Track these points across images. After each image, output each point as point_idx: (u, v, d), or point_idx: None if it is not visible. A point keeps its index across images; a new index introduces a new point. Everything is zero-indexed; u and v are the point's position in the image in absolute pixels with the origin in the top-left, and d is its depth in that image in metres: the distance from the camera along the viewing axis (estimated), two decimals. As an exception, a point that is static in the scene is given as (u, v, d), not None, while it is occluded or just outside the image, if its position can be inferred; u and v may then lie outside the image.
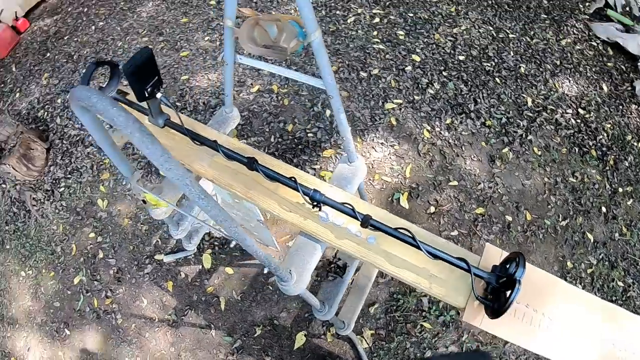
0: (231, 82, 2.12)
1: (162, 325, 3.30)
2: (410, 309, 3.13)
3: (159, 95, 1.62)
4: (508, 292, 1.34)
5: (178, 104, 4.22)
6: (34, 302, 3.66)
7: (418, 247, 1.51)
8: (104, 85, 1.54)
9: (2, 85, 5.32)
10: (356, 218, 1.58)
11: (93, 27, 5.44)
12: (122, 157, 1.57)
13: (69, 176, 4.11)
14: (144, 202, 1.76)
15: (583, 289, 3.19)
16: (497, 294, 1.45)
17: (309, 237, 1.77)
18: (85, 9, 5.76)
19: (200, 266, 3.42)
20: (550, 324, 1.44)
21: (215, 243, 3.48)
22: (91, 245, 3.72)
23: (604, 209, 3.59)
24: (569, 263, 3.34)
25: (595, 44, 4.62)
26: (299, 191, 1.66)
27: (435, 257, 1.51)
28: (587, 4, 5.00)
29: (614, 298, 3.21)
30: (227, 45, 1.87)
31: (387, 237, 1.60)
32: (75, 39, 5.38)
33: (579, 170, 3.72)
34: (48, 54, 5.34)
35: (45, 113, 4.66)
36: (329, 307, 2.13)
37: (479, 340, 3.05)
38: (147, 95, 1.57)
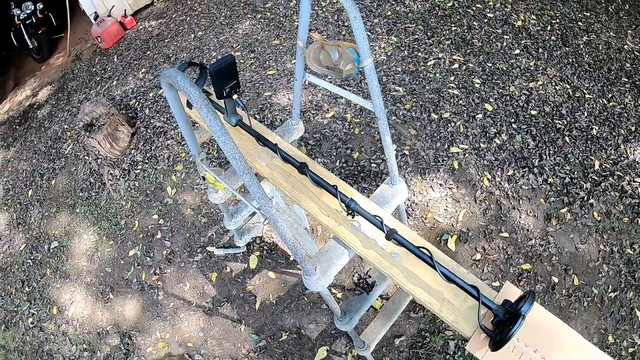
0: (299, 97, 2.32)
1: (197, 310, 3.51)
2: (435, 349, 3.11)
3: (235, 96, 1.91)
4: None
5: (257, 116, 4.51)
6: (88, 263, 4.04)
7: (433, 267, 1.61)
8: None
9: (103, 71, 5.94)
10: (382, 230, 1.71)
11: (192, 35, 5.95)
12: (194, 136, 1.84)
13: (147, 161, 4.50)
14: (204, 178, 2.00)
15: None
16: (503, 327, 1.50)
17: (340, 242, 1.90)
18: (188, 18, 6.32)
19: (246, 265, 3.61)
20: None
21: (265, 247, 3.67)
22: (152, 225, 4.04)
23: None
24: (610, 337, 3.18)
25: (676, 112, 4.47)
26: (337, 197, 1.82)
27: (449, 280, 1.60)
28: (672, 70, 4.84)
29: None
30: (298, 63, 2.09)
31: (410, 256, 1.72)
32: (175, 43, 5.91)
33: (638, 242, 3.57)
34: (148, 52, 5.90)
35: (137, 103, 5.13)
36: (349, 318, 2.23)
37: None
38: (225, 94, 1.87)
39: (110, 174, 4.55)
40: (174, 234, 3.93)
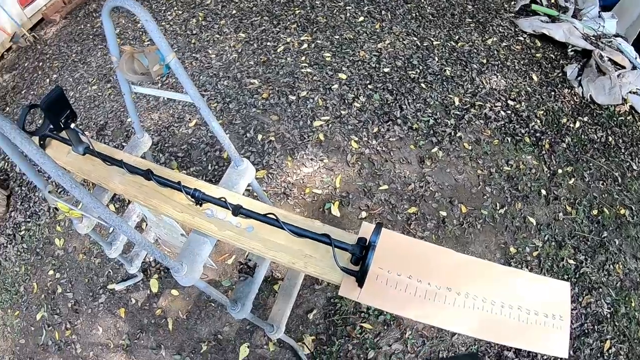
0: (134, 110, 2.32)
1: (117, 350, 3.41)
2: (349, 312, 3.22)
3: (72, 125, 1.91)
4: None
5: (124, 144, 4.41)
6: (1, 342, 3.78)
7: (282, 228, 1.68)
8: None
9: (-35, 139, 5.53)
10: (227, 208, 1.76)
11: (48, 80, 5.70)
12: (34, 171, 1.86)
13: (29, 220, 4.27)
14: (56, 209, 1.97)
15: (530, 271, 3.27)
16: (362, 263, 1.58)
17: (199, 233, 1.93)
18: (41, 63, 6.04)
19: (149, 291, 3.55)
20: (449, 293, 1.53)
21: (161, 268, 3.63)
22: (50, 282, 3.86)
23: (543, 192, 3.70)
24: (511, 248, 3.43)
25: (522, 39, 4.86)
26: (182, 191, 1.85)
27: (300, 235, 1.67)
28: (512, 2, 5.26)
29: (566, 277, 3.28)
30: (119, 78, 2.10)
31: (264, 226, 1.77)
32: (32, 92, 5.63)
33: (513, 158, 3.86)
34: (7, 108, 5.58)
35: (6, 163, 4.85)
36: (241, 305, 2.26)
37: (424, 336, 3.11)
38: (62, 126, 1.87)
39: (-4, 244, 4.29)
40: (73, 284, 3.77)
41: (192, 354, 3.26)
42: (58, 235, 4.07)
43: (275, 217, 1.70)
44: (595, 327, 3.13)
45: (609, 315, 3.18)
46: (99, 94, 5.08)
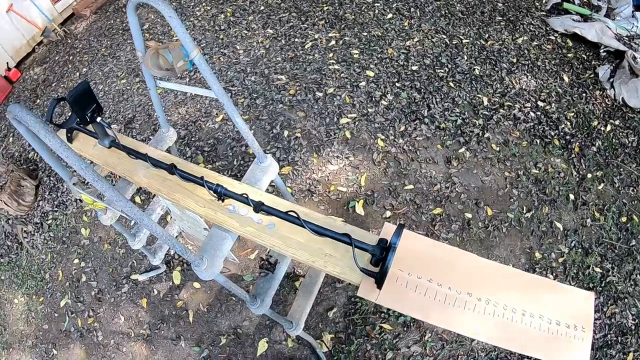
0: (159, 105, 2.35)
1: (137, 339, 3.47)
2: (369, 312, 3.20)
3: (98, 119, 1.94)
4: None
5: (151, 137, 4.46)
6: (25, 327, 3.89)
7: (302, 226, 1.67)
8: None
9: (-3, 130, 5.70)
10: (249, 204, 1.76)
11: (77, 74, 5.82)
12: (60, 163, 1.87)
13: (56, 209, 4.38)
14: (80, 200, 2.00)
15: (555, 278, 3.21)
16: (382, 265, 1.57)
17: (221, 228, 1.94)
18: (71, 57, 6.17)
19: (171, 282, 3.60)
20: (469, 298, 1.49)
21: (184, 260, 3.68)
22: (75, 270, 3.95)
23: (572, 197, 3.61)
24: (537, 254, 3.35)
25: (554, 38, 4.75)
26: (204, 186, 1.86)
27: (320, 234, 1.66)
28: (543, 1, 5.14)
29: (591, 285, 3.20)
30: (145, 73, 2.12)
31: (285, 223, 1.77)
32: (62, 85, 5.77)
33: (541, 161, 3.77)
34: (38, 101, 5.73)
35: (35, 154, 4.97)
36: (260, 300, 2.26)
37: (443, 339, 3.07)
38: (88, 119, 1.90)
39: (25, 231, 4.40)
40: (97, 273, 3.85)
41: (211, 346, 3.29)
42: (84, 225, 4.15)
43: (296, 215, 1.70)
44: (619, 338, 3.04)
45: (633, 327, 3.08)
46: (128, 87, 5.16)
